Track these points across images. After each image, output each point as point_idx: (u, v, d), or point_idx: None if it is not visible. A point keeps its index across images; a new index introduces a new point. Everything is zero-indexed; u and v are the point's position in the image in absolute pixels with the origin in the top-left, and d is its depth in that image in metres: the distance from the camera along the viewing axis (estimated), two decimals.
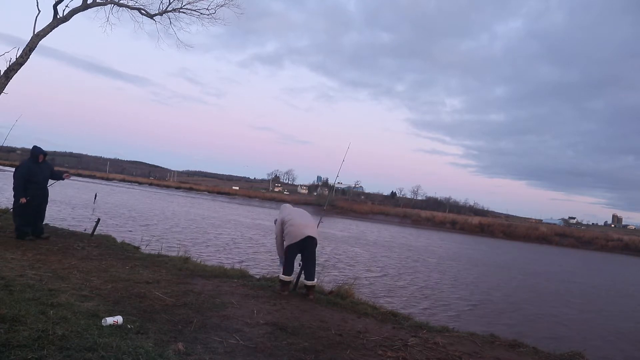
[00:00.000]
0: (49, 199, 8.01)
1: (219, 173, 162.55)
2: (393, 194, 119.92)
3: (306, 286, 5.73)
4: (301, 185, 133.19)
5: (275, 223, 6.15)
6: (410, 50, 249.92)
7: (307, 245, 5.70)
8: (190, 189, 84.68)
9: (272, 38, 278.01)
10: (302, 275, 5.83)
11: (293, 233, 5.67)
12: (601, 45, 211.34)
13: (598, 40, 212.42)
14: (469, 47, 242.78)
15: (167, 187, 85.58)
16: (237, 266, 8.20)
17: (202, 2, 12.03)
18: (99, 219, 8.68)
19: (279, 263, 6.03)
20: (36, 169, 7.58)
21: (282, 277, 5.74)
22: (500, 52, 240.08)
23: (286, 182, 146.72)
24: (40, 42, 10.04)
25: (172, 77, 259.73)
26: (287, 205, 6.35)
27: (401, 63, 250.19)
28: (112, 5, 11.46)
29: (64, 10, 10.37)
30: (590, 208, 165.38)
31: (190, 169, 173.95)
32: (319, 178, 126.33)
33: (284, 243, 5.75)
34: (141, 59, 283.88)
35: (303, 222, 5.79)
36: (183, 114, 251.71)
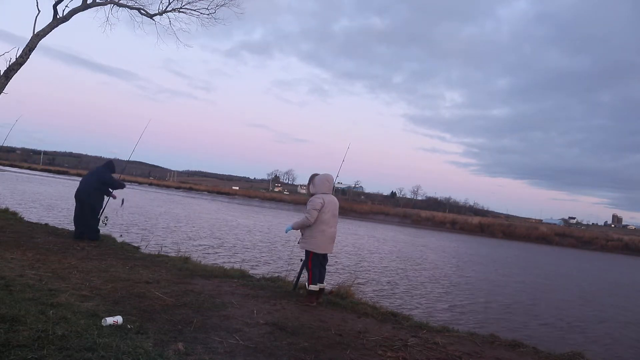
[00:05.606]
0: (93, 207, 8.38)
1: (219, 173, 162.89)
2: (393, 194, 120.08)
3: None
4: (301, 185, 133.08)
5: (307, 191, 5.77)
6: (407, 36, 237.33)
7: (327, 254, 5.73)
8: (190, 189, 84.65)
9: (258, 23, 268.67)
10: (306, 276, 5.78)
11: (322, 244, 5.49)
12: (615, 29, 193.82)
13: (612, 23, 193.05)
14: (471, 32, 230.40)
15: (167, 187, 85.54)
16: (237, 266, 8.20)
17: (202, 2, 12.02)
18: (98, 219, 8.66)
19: (288, 228, 5.79)
20: (83, 178, 8.71)
21: (312, 287, 5.48)
22: (505, 37, 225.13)
23: (286, 182, 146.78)
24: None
25: (157, 70, 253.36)
26: (326, 194, 5.65)
27: (398, 51, 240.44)
28: (112, 5, 11.46)
29: (63, 10, 10.38)
30: (592, 208, 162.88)
31: (190, 169, 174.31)
32: None
33: (308, 247, 5.51)
34: (122, 50, 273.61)
35: (333, 231, 5.62)
36: (175, 112, 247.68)
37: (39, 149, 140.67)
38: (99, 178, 8.42)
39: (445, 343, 4.46)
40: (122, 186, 8.68)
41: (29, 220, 11.15)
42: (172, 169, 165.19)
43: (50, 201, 21.29)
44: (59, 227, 10.43)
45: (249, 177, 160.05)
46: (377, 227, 39.64)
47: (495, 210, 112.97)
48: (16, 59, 9.71)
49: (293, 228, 5.69)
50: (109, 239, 9.02)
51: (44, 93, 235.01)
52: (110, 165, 8.76)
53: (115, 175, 8.79)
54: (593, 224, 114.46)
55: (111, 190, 8.57)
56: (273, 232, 20.97)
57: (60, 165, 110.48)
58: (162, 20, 12.01)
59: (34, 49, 9.96)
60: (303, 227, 5.57)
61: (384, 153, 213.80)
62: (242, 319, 4.35)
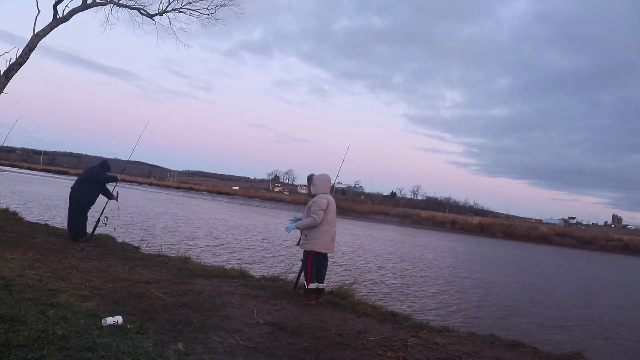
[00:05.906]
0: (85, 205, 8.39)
1: (219, 173, 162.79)
2: (393, 194, 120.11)
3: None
4: (301, 185, 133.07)
5: (308, 192, 5.73)
6: (407, 36, 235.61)
7: (327, 253, 5.73)
8: (190, 189, 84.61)
9: (258, 23, 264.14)
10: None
11: (324, 244, 5.48)
12: (615, 29, 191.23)
13: (612, 23, 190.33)
14: (471, 32, 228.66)
15: (167, 187, 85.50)
16: (236, 266, 8.20)
17: (202, 2, 12.02)
18: (99, 219, 8.66)
19: (288, 227, 5.70)
20: (78, 178, 8.71)
21: (310, 285, 5.46)
22: (505, 37, 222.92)
23: (286, 182, 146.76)
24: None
25: (157, 70, 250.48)
26: (326, 194, 5.65)
27: (397, 51, 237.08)
28: (112, 5, 11.46)
29: (63, 10, 10.37)
30: (592, 208, 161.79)
31: (190, 169, 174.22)
32: None
33: (314, 247, 5.48)
34: (122, 50, 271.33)
35: (335, 231, 5.63)
36: (174, 112, 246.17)
37: (39, 149, 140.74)
38: (94, 177, 8.37)
39: (445, 343, 4.46)
40: (115, 179, 8.65)
41: (29, 220, 11.15)
42: (172, 169, 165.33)
43: (50, 201, 21.28)
44: (59, 227, 10.43)
45: (249, 177, 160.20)
46: (377, 227, 39.63)
47: (495, 210, 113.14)
48: (16, 59, 9.70)
49: (297, 228, 5.61)
50: (109, 239, 9.01)
51: (44, 93, 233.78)
52: (105, 164, 8.71)
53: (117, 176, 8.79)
54: (593, 224, 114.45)
55: (111, 191, 8.58)
56: (273, 232, 20.97)
57: (60, 165, 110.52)
58: (162, 20, 12.02)
59: (34, 49, 9.95)
60: (309, 228, 5.50)
61: (384, 153, 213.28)
62: (242, 319, 4.35)
